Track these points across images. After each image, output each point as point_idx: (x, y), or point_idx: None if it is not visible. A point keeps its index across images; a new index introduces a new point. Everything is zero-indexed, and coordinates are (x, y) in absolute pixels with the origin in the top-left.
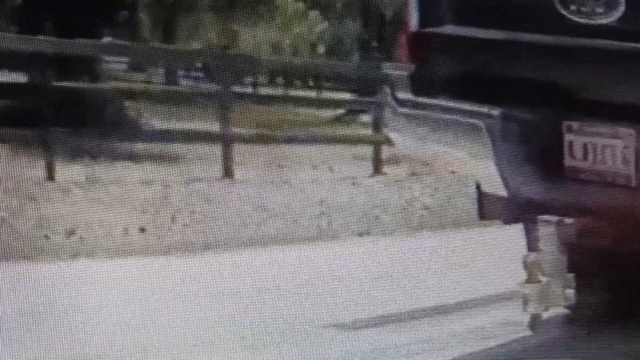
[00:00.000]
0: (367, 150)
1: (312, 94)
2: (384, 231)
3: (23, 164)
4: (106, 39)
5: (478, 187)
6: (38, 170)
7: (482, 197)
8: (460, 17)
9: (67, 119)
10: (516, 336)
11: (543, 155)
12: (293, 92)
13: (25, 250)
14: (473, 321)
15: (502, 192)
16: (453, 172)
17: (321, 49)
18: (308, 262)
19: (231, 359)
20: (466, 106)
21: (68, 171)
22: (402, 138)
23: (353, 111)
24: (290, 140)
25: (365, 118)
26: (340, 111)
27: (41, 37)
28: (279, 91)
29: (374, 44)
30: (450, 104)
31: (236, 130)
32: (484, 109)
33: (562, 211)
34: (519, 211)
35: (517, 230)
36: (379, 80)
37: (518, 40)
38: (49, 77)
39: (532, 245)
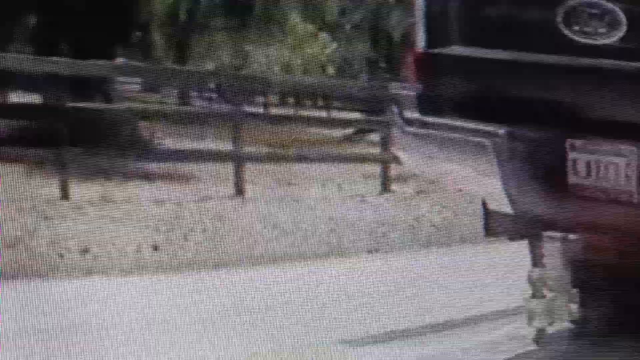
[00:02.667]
0: (376, 169)
1: (322, 113)
2: (393, 248)
3: (38, 182)
4: (120, 60)
5: (484, 204)
6: (52, 189)
7: (488, 214)
8: (466, 38)
9: (81, 138)
10: (523, 350)
11: (547, 173)
12: (303, 112)
13: (40, 268)
14: (480, 336)
15: (508, 209)
16: (460, 190)
17: (330, 70)
18: (318, 278)
19: None
20: (472, 125)
21: (82, 190)
22: (410, 156)
23: (362, 130)
24: (300, 158)
25: (374, 137)
26: (349, 130)
27: (56, 58)
28: (289, 111)
29: (382, 64)
30: (457, 122)
31: (247, 149)
32: (490, 128)
33: (566, 227)
34: (524, 228)
35: (522, 247)
36: (387, 100)
37: (523, 60)
38: (64, 97)
39: (537, 261)
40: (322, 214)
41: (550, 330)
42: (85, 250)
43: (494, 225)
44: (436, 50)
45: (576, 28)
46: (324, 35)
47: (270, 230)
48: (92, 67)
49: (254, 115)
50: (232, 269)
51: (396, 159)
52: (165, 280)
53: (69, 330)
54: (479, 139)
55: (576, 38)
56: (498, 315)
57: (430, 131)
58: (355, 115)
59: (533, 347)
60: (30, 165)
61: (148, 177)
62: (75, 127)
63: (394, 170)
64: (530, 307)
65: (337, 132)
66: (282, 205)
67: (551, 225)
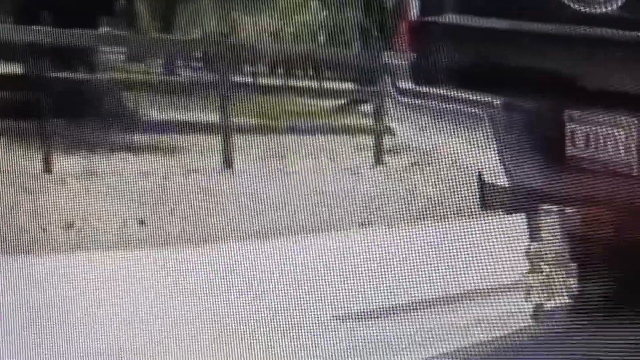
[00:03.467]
0: (369, 140)
1: (313, 83)
2: (386, 221)
3: (19, 155)
4: (103, 29)
5: (480, 176)
6: (35, 162)
7: (483, 187)
8: (461, 6)
9: (63, 110)
10: (520, 326)
11: (545, 145)
12: (293, 82)
13: (23, 243)
14: (476, 311)
15: (504, 182)
16: (455, 162)
17: (322, 38)
18: (309, 253)
19: (232, 352)
20: (467, 95)
21: (65, 163)
22: (404, 128)
23: (354, 101)
24: (290, 130)
25: (367, 108)
26: (341, 101)
27: (37, 28)
28: (279, 81)
29: (375, 33)
30: (452, 93)
31: (236, 120)
32: (486, 98)
33: (564, 200)
34: (521, 201)
35: (519, 220)
36: (380, 70)
37: (519, 29)
38: (46, 68)
39: (534, 235)
40: (313, 187)
41: (548, 305)
42: (69, 225)
43: (489, 198)
44: (430, 19)
45: None
46: (314, 3)
47: (260, 204)
48: (75, 36)
49: (242, 85)
50: (220, 243)
51: (389, 131)
52: (151, 255)
53: (53, 306)
54: (474, 110)
55: (574, 6)
56: (494, 290)
57: (424, 102)
58: (348, 85)
59: (530, 322)
60: (12, 138)
61: (133, 149)
62: (58, 98)
63: (387, 142)
64: (528, 282)
65: (329, 103)
66: (272, 178)
67: (548, 198)
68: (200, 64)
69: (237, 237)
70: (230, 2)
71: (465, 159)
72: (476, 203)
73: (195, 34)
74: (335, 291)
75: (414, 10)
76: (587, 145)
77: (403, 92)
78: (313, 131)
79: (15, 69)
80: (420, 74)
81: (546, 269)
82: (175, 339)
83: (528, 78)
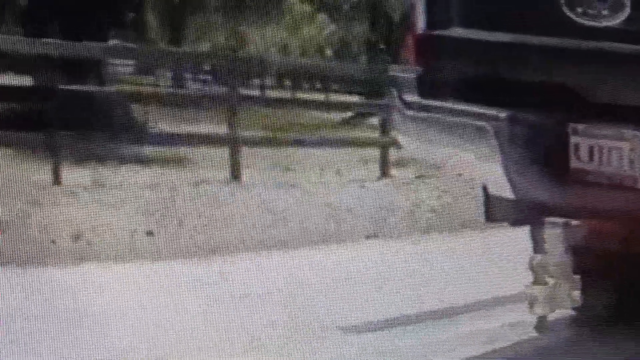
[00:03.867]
0: (375, 153)
1: (320, 96)
2: (392, 234)
3: (29, 167)
4: (113, 42)
5: (485, 189)
6: (44, 174)
7: (488, 199)
8: (467, 20)
9: (73, 122)
10: (524, 338)
11: (549, 158)
12: (301, 95)
13: (32, 255)
14: (481, 323)
15: (509, 195)
16: (460, 174)
17: (329, 52)
18: (316, 265)
19: None
20: (473, 108)
21: (74, 175)
22: (410, 140)
23: (361, 114)
24: (297, 143)
25: (373, 121)
26: (348, 114)
27: (48, 40)
28: (286, 94)
29: (382, 46)
30: (457, 106)
31: (244, 133)
32: (491, 112)
33: (568, 213)
34: (526, 213)
35: (524, 232)
36: (387, 83)
37: (525, 43)
38: (56, 80)
39: (538, 247)
40: (320, 200)
41: (551, 317)
42: (77, 236)
43: (494, 211)
44: (436, 32)
45: (579, 10)
46: (322, 16)
47: (267, 216)
48: (85, 49)
49: (250, 98)
50: (228, 255)
51: (396, 143)
52: (159, 266)
53: (62, 317)
54: (479, 123)
55: (579, 20)
56: (498, 302)
57: (430, 115)
58: (354, 98)
59: (534, 334)
60: (21, 150)
61: (141, 161)
62: (67, 111)
63: (393, 154)
64: (532, 294)
65: (336, 116)
66: (279, 190)
67: (553, 211)
68: (208, 77)
69: (245, 248)
70: (238, 16)
71: (471, 172)
72: (481, 215)
73: (204, 47)
74: (342, 303)
75: (420, 24)
76: (591, 158)
77: (409, 105)
78: (320, 144)
79: (25, 81)
80: (427, 87)
81: (550, 281)
82: (183, 348)
83: (533, 91)
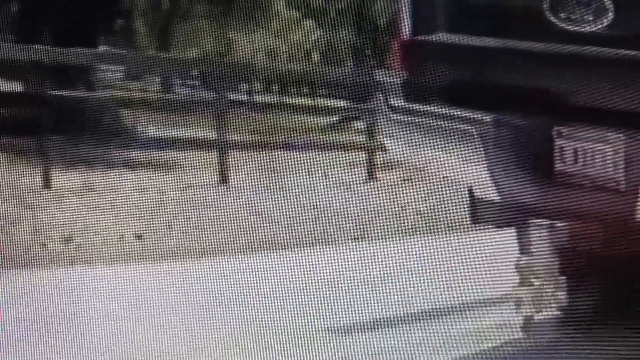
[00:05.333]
0: (361, 156)
1: (307, 101)
2: (378, 236)
3: (19, 172)
4: (102, 48)
5: (470, 192)
6: (34, 178)
7: (474, 202)
8: (451, 25)
9: (63, 127)
10: (512, 338)
11: (534, 160)
12: (288, 99)
13: (22, 258)
14: (467, 324)
15: (495, 197)
16: (446, 177)
17: (315, 57)
18: (303, 267)
19: None
20: (458, 112)
21: (64, 179)
22: (396, 144)
23: (347, 118)
24: (285, 146)
25: (359, 125)
26: (335, 118)
27: (38, 46)
28: (274, 98)
29: (368, 51)
30: (443, 110)
31: (231, 137)
32: (476, 116)
33: (553, 215)
34: (511, 215)
35: (509, 234)
36: (373, 88)
37: (509, 48)
38: (46, 86)
39: (524, 248)
40: (307, 202)
41: (537, 318)
42: (68, 240)
43: (480, 213)
44: (421, 38)
45: (563, 15)
46: (308, 22)
47: (255, 219)
48: (75, 55)
49: (237, 103)
50: (216, 257)
51: (382, 147)
52: (148, 269)
53: (52, 320)
54: (465, 127)
55: (563, 25)
56: (486, 303)
57: (416, 118)
58: (341, 102)
59: (522, 335)
60: (12, 154)
61: (131, 165)
62: (58, 116)
63: (379, 158)
64: (518, 294)
65: (323, 120)
66: (267, 193)
67: (538, 213)
68: (196, 82)
69: (233, 251)
70: (226, 22)
71: (456, 175)
72: (466, 218)
73: (192, 52)
74: (329, 305)
75: (405, 29)
76: (575, 161)
77: (395, 109)
78: (307, 147)
79: (15, 86)
80: (412, 92)
81: (536, 281)
82: (172, 350)
83: (518, 95)
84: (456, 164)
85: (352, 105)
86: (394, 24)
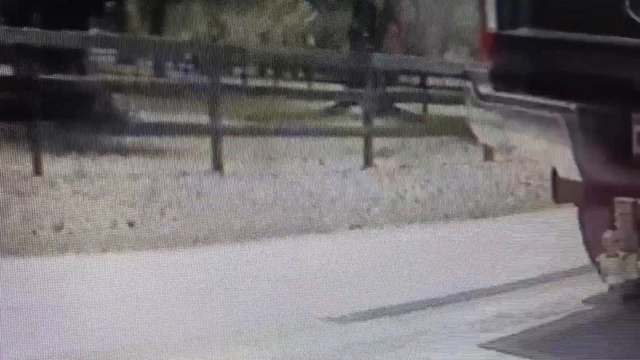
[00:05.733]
0: (358, 143)
1: (302, 85)
2: (375, 224)
3: (9, 158)
4: (93, 31)
5: (554, 173)
6: (25, 164)
7: (557, 182)
8: (534, 20)
9: (53, 112)
10: (511, 329)
11: (614, 144)
12: (283, 84)
13: (13, 245)
14: (467, 314)
15: (577, 178)
16: (535, 160)
17: (311, 40)
18: (299, 255)
19: (224, 354)
20: (545, 101)
21: (55, 165)
22: (484, 130)
23: (344, 103)
24: (280, 132)
25: (356, 110)
26: (331, 103)
27: (27, 29)
28: (268, 83)
29: (365, 34)
30: (530, 98)
31: (225, 122)
32: (562, 104)
33: (631, 193)
34: (593, 194)
35: (510, 224)
36: (369, 72)
37: (591, 42)
38: (35, 69)
39: (609, 223)
40: (303, 189)
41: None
42: (59, 227)
43: (563, 192)
44: (506, 32)
45: None
46: (304, 4)
47: (250, 206)
48: (65, 38)
49: (231, 88)
50: (210, 246)
51: (379, 133)
52: (141, 256)
53: (44, 308)
54: (552, 114)
55: None
56: (484, 293)
57: (504, 106)
58: (337, 87)
59: (521, 326)
60: (2, 140)
61: (123, 151)
62: (48, 100)
63: (376, 144)
64: (605, 265)
65: (319, 105)
66: (262, 180)
67: (618, 192)
68: (190, 66)
69: (227, 239)
70: (219, 5)
71: (541, 157)
72: (464, 206)
73: (185, 35)
74: (325, 293)
75: (492, 24)
76: None
77: (484, 97)
78: (302, 133)
79: (4, 70)
80: (499, 81)
81: (620, 253)
82: (166, 339)
83: (599, 85)
84: (542, 147)
85: (349, 90)
86: (481, 19)
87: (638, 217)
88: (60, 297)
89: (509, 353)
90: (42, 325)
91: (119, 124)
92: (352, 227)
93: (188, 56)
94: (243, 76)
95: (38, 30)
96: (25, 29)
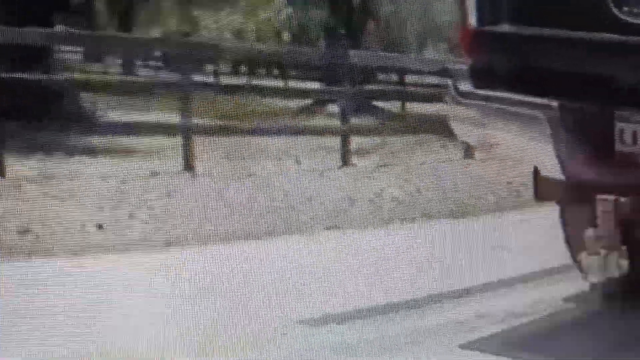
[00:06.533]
0: (335, 142)
1: (278, 83)
2: (353, 224)
3: None
4: (59, 27)
5: (535, 171)
6: None
7: (538, 180)
8: (515, 17)
9: (17, 111)
10: (491, 329)
11: (597, 142)
12: (257, 82)
13: None
14: (446, 314)
15: (559, 175)
16: (514, 158)
17: (287, 36)
18: (274, 257)
19: (202, 357)
20: (526, 98)
21: (19, 166)
22: (464, 128)
23: (320, 101)
24: (254, 131)
25: (333, 108)
26: (307, 101)
27: None
28: (242, 80)
29: (341, 30)
30: (511, 95)
31: (197, 121)
32: (544, 101)
33: (613, 191)
34: (576, 192)
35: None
36: (345, 69)
37: (572, 38)
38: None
39: (591, 221)
40: (278, 190)
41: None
42: (25, 231)
43: (545, 190)
44: (487, 28)
45: (626, 9)
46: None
47: (222, 207)
48: (30, 35)
49: (204, 85)
50: (181, 248)
51: (356, 131)
52: (110, 260)
53: (10, 315)
54: (533, 112)
55: (625, 18)
56: (463, 292)
57: (485, 103)
58: (314, 85)
59: (501, 326)
60: None
61: (90, 151)
62: (11, 100)
63: (354, 143)
64: (587, 262)
65: (294, 103)
66: (235, 180)
67: (600, 189)
68: (160, 63)
69: (199, 241)
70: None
71: (522, 155)
72: (443, 205)
73: (155, 32)
74: (301, 296)
75: (472, 20)
76: (634, 142)
77: (463, 94)
78: (278, 132)
79: None
80: (479, 78)
81: (602, 251)
82: (139, 345)
83: (581, 82)
84: (523, 145)
85: (325, 87)
86: (461, 15)
87: (620, 214)
88: (26, 303)
89: (491, 353)
90: (9, 334)
91: (86, 123)
92: (328, 228)
93: (158, 53)
94: (215, 73)
95: (1, 27)
96: None
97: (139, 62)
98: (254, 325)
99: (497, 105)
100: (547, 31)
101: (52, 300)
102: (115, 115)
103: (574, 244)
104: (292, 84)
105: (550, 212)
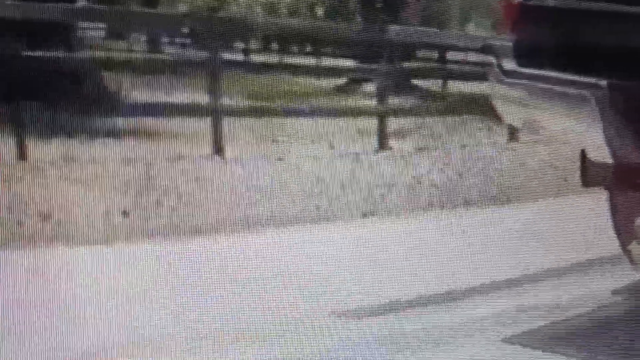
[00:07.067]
0: (372, 123)
1: (311, 61)
2: (390, 211)
3: None
4: (81, 3)
5: (583, 155)
6: (7, 149)
7: (586, 165)
8: None
9: (38, 92)
10: (530, 322)
11: None
12: (289, 60)
13: None
14: (485, 307)
15: (608, 160)
16: (563, 141)
17: (320, 11)
18: (307, 246)
19: (227, 350)
20: (572, 77)
21: (41, 150)
22: (508, 109)
23: (355, 80)
24: (286, 113)
25: (370, 87)
26: (342, 80)
27: (9, 2)
28: (273, 58)
29: (379, 4)
30: (558, 75)
31: (227, 102)
32: (592, 80)
33: None
34: (624, 177)
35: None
36: (384, 46)
37: (623, 13)
38: (19, 46)
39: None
40: (312, 175)
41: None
42: (46, 217)
43: (592, 175)
44: (532, 2)
45: None
46: None
47: (253, 194)
48: (51, 11)
49: (233, 64)
50: (210, 236)
51: (394, 113)
52: (136, 248)
53: (30, 304)
54: (581, 91)
55: None
56: (504, 285)
57: (529, 83)
58: (349, 63)
59: (540, 319)
60: None
61: (115, 134)
62: (32, 80)
63: (392, 125)
64: (637, 253)
65: (328, 82)
66: (266, 165)
67: None
68: (187, 41)
69: (229, 229)
70: None
71: (569, 138)
72: (487, 191)
73: (182, 7)
74: (335, 286)
75: None
76: None
77: (508, 73)
78: (311, 114)
79: None
80: (524, 55)
81: None
82: (164, 336)
83: (629, 59)
84: (571, 127)
85: (362, 65)
86: None
87: None
88: (48, 292)
89: (534, 348)
90: (29, 320)
91: (110, 104)
92: (365, 215)
93: (185, 30)
94: (245, 51)
95: (21, 2)
96: (7, 1)
97: (164, 39)
98: (284, 316)
99: (542, 85)
100: (598, 5)
101: (72, 288)
102: (140, 96)
103: (623, 232)
104: (326, 61)
105: (599, 199)
